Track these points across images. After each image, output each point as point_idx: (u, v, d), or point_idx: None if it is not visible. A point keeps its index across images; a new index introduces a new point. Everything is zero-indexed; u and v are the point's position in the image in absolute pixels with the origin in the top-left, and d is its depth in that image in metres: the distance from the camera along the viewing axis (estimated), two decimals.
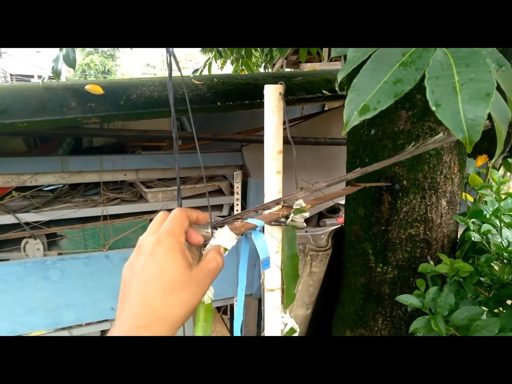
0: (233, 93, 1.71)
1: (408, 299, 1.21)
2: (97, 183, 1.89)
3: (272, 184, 0.87)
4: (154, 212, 1.91)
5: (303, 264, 1.59)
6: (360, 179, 1.47)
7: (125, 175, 1.90)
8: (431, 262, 1.30)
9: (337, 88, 1.80)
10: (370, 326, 1.53)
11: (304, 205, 0.76)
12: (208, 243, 0.68)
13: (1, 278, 1.61)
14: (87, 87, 1.57)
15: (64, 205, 1.77)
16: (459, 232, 1.48)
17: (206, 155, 2.05)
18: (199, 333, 0.70)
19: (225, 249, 0.68)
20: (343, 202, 2.47)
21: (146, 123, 1.88)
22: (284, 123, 0.90)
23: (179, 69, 0.78)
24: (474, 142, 0.38)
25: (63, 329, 1.76)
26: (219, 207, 2.09)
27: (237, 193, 2.00)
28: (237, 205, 2.03)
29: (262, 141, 1.60)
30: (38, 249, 1.71)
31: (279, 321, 0.97)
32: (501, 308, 1.22)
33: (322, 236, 2.12)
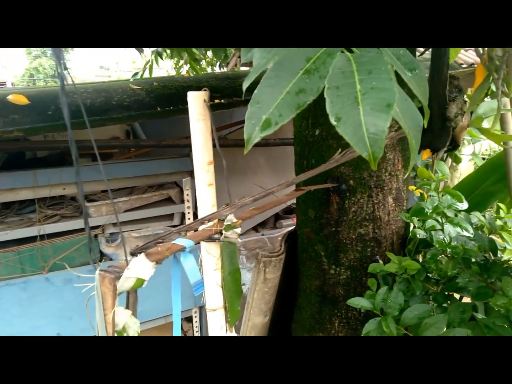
0: (174, 97, 1.63)
1: (360, 302, 1.19)
2: (33, 200, 1.75)
3: (205, 197, 0.81)
4: (98, 227, 1.80)
5: (257, 272, 1.54)
6: (308, 181, 1.45)
7: (64, 189, 1.77)
8: (381, 262, 1.29)
9: None
10: (327, 329, 1.51)
11: (235, 220, 0.71)
12: (121, 275, 0.61)
13: None
14: (9, 97, 1.43)
15: None
16: (408, 228, 1.49)
17: (154, 162, 1.95)
18: None
19: (142, 281, 0.61)
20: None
21: (96, 131, 1.76)
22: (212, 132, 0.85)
23: (69, 76, 0.70)
24: (378, 158, 0.34)
25: None
26: (170, 216, 2.00)
27: (188, 201, 1.92)
28: (188, 213, 1.95)
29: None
30: None
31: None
32: (449, 302, 1.24)
33: (279, 238, 2.08)
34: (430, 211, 1.07)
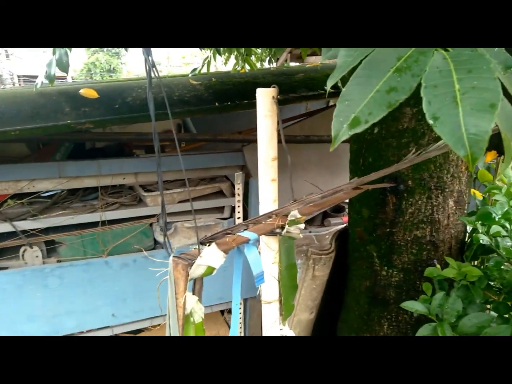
0: (231, 93, 1.66)
1: (414, 306, 1.16)
2: (96, 188, 1.86)
3: (267, 193, 0.82)
4: (154, 216, 1.88)
5: (306, 268, 1.54)
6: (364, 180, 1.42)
7: (124, 178, 1.87)
8: (438, 266, 1.25)
9: (339, 84, 1.74)
10: (375, 331, 1.48)
11: (299, 216, 0.72)
12: (194, 262, 0.64)
13: (0, 287, 1.59)
14: (81, 91, 1.53)
15: (62, 211, 1.75)
16: (467, 232, 1.43)
17: (207, 156, 2.00)
18: None
19: (212, 269, 0.64)
20: (347, 200, 2.41)
21: (148, 124, 1.84)
22: (278, 125, 0.86)
23: (157, 71, 0.73)
24: (477, 159, 0.34)
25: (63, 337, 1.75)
26: (220, 209, 2.05)
27: (238, 195, 1.96)
28: (238, 206, 1.99)
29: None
30: (37, 257, 1.69)
31: (278, 333, 0.93)
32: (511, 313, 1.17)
33: (327, 236, 2.07)
34: (499, 216, 1.02)
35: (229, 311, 2.58)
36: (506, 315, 1.15)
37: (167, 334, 0.69)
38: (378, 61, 0.42)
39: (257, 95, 0.78)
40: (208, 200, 2.00)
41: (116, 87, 1.66)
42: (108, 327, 1.81)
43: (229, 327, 2.38)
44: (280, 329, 0.94)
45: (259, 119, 0.80)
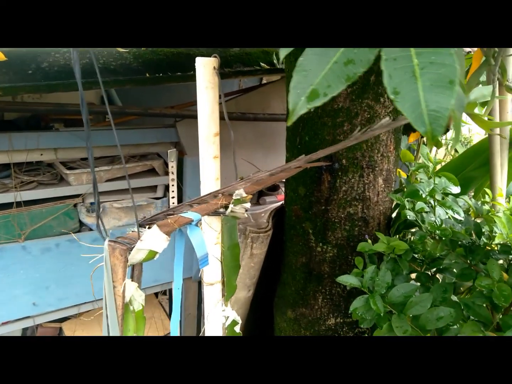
0: (163, 64, 1.55)
1: (348, 280, 1.21)
2: (8, 165, 1.65)
3: (209, 171, 0.78)
4: (78, 196, 1.72)
5: (244, 247, 1.53)
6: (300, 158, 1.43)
7: (41, 154, 1.68)
8: (369, 241, 1.32)
9: (275, 61, 1.72)
10: (310, 305, 1.54)
11: (244, 195, 0.69)
12: (134, 246, 0.58)
13: None
14: None
15: None
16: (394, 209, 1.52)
17: (137, 131, 1.87)
18: None
19: (155, 253, 0.59)
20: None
21: (66, 94, 1.65)
22: (220, 99, 0.81)
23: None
24: (438, 136, 0.33)
25: None
26: (153, 188, 1.95)
27: (172, 173, 1.88)
28: (172, 185, 1.91)
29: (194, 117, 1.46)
30: None
31: (221, 314, 0.91)
32: (431, 281, 1.29)
33: (262, 215, 2.08)
34: (426, 193, 1.09)
35: (164, 292, 2.52)
36: (428, 284, 1.26)
37: (103, 325, 0.63)
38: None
39: (196, 64, 0.72)
40: (139, 178, 1.89)
41: (28, 50, 1.46)
42: (28, 317, 1.65)
43: (164, 309, 2.32)
44: (223, 310, 0.92)
45: (200, 91, 0.74)
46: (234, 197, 0.70)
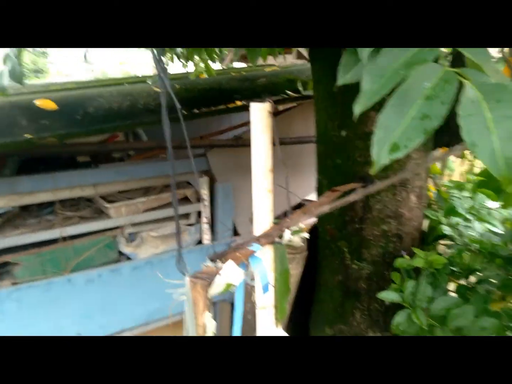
0: (197, 100, 1.64)
1: (389, 295, 1.25)
2: (51, 202, 1.75)
3: (263, 203, 0.84)
4: (118, 228, 1.80)
5: None
6: (333, 180, 1.49)
7: (82, 190, 1.77)
8: (407, 257, 1.35)
9: (300, 88, 1.80)
10: (349, 321, 1.56)
11: (302, 226, 0.75)
12: (212, 281, 0.64)
13: None
14: (37, 102, 1.42)
15: (15, 230, 1.61)
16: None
17: (168, 162, 1.96)
18: None
19: (231, 285, 0.64)
20: (309, 197, 2.50)
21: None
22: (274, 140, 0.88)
23: (166, 76, 0.73)
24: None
25: None
26: (186, 215, 2.02)
27: (205, 200, 1.95)
28: (205, 212, 1.98)
29: (227, 145, 1.56)
30: None
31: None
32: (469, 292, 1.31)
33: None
34: (463, 210, 1.13)
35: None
36: (467, 295, 1.28)
37: None
38: (410, 88, 0.46)
39: (251, 109, 0.79)
40: (172, 208, 1.96)
41: (73, 97, 1.56)
42: None
43: None
44: (275, 333, 0.96)
45: (255, 134, 0.81)
46: (293, 229, 0.75)
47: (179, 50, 1.84)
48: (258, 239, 0.74)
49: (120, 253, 1.87)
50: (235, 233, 2.12)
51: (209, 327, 0.70)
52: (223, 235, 2.06)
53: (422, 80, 0.45)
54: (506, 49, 1.11)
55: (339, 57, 1.30)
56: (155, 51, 0.63)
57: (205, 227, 1.99)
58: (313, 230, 1.74)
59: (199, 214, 2.01)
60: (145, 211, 1.86)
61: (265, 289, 0.77)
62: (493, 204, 1.15)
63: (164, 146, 1.90)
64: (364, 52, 0.54)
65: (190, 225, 2.01)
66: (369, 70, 0.51)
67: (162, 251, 1.89)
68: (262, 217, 0.85)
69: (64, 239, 1.69)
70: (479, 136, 0.40)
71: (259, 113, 0.79)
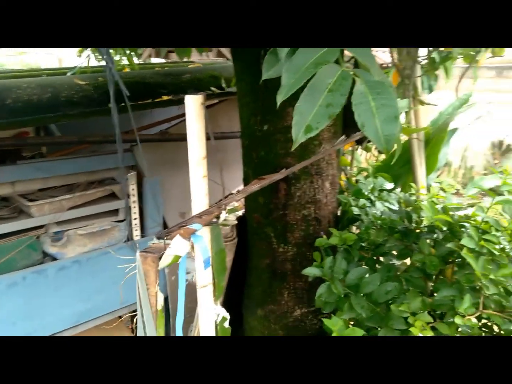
0: (123, 93, 1.65)
1: (312, 271, 1.41)
2: None
3: (199, 188, 0.92)
4: (42, 227, 1.73)
5: None
6: (257, 170, 1.62)
7: None
8: (325, 237, 1.52)
9: (224, 85, 1.90)
10: (278, 301, 1.71)
11: (237, 204, 0.84)
12: (163, 253, 0.71)
13: None
14: None
15: None
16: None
17: (94, 158, 1.92)
18: None
19: (178, 257, 0.72)
20: (233, 191, 2.61)
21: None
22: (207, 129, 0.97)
23: (113, 69, 0.77)
24: (390, 151, 0.53)
25: None
26: (114, 212, 2.00)
27: (133, 195, 1.95)
28: (134, 207, 1.98)
29: (155, 140, 1.63)
30: None
31: (212, 313, 1.05)
32: (377, 265, 1.53)
33: (227, 227, 2.22)
34: (368, 191, 1.33)
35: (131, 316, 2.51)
36: (374, 267, 1.49)
37: (139, 324, 0.74)
38: (317, 84, 0.58)
39: (186, 101, 0.87)
40: (101, 204, 1.93)
41: None
42: None
43: (133, 332, 2.33)
44: (214, 309, 1.05)
45: (190, 124, 0.88)
46: (228, 207, 0.85)
47: None
48: (199, 217, 0.82)
49: (45, 254, 1.80)
50: (165, 227, 2.15)
51: (159, 300, 0.76)
52: (153, 230, 2.08)
53: (326, 77, 0.58)
54: (395, 55, 1.33)
55: (259, 56, 1.43)
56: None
57: (135, 222, 1.99)
58: (241, 220, 1.86)
59: (128, 209, 2.01)
60: (70, 209, 1.81)
61: (207, 264, 0.85)
62: (389, 185, 1.37)
63: (85, 141, 1.87)
64: (283, 52, 0.66)
65: (119, 221, 2.00)
66: (287, 68, 0.63)
67: (90, 249, 1.85)
68: (199, 201, 0.93)
69: None
70: (366, 119, 0.53)
71: (193, 105, 0.87)
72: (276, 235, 1.64)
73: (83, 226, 1.85)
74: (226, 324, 1.11)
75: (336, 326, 1.23)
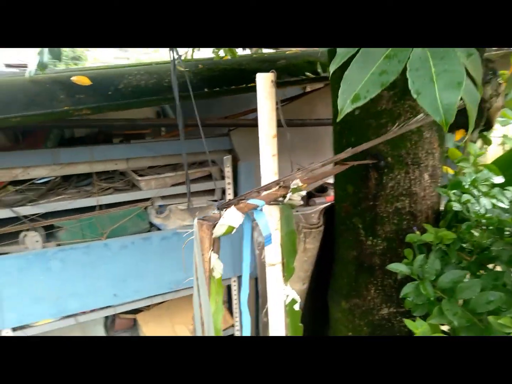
0: (219, 79, 1.73)
1: (398, 267, 1.30)
2: (89, 174, 1.91)
3: (269, 167, 0.92)
4: (148, 199, 1.95)
5: (297, 242, 1.66)
6: (348, 158, 1.54)
7: (116, 164, 1.92)
8: (417, 232, 1.39)
9: (319, 70, 1.85)
10: (363, 296, 1.63)
11: (300, 184, 0.82)
12: (217, 223, 0.74)
13: (4, 271, 1.63)
14: (73, 78, 1.57)
15: (58, 197, 1.79)
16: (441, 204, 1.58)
17: (194, 141, 2.07)
18: (213, 306, 0.77)
19: (232, 228, 0.74)
20: (330, 181, 2.54)
21: (129, 112, 1.89)
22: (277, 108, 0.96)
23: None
24: (450, 123, 0.45)
25: (68, 316, 1.81)
26: (211, 192, 2.14)
27: (228, 177, 2.05)
28: (228, 189, 2.08)
29: (250, 125, 1.65)
30: (37, 241, 1.73)
31: (281, 293, 1.05)
32: (482, 271, 1.33)
33: (313, 215, 2.19)
34: (468, 184, 1.16)
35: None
36: (477, 273, 1.30)
37: (194, 286, 0.79)
38: (372, 50, 0.53)
39: (257, 79, 0.87)
40: (199, 183, 2.09)
41: (107, 74, 1.70)
42: (110, 306, 1.89)
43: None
44: (283, 289, 1.05)
45: (260, 101, 0.89)
46: (291, 186, 0.83)
47: None
48: (258, 192, 0.82)
49: (151, 224, 2.02)
50: None
51: (217, 268, 0.79)
52: None
53: None
54: None
55: None
56: None
57: None
58: (330, 208, 1.81)
59: (223, 190, 2.12)
60: (173, 186, 2.00)
61: (267, 240, 0.86)
62: (498, 179, 1.16)
63: (190, 124, 2.02)
64: None
65: (215, 200, 2.13)
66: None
67: (189, 223, 2.02)
68: (268, 180, 0.93)
69: (101, 207, 1.85)
70: (423, 85, 0.46)
71: (264, 82, 0.87)
72: (365, 227, 1.56)
73: (183, 202, 2.02)
74: (297, 307, 1.10)
75: (419, 329, 1.12)
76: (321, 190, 2.58)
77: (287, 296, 1.05)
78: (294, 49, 2.18)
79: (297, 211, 2.33)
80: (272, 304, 1.05)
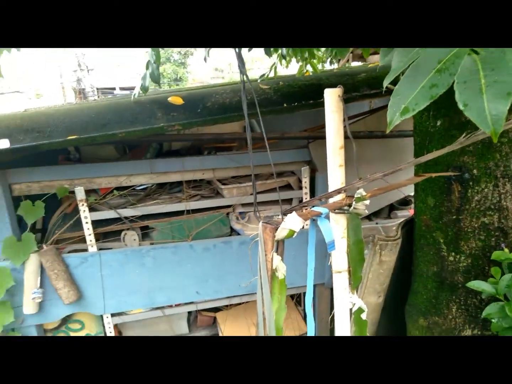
0: (297, 94, 1.81)
1: (481, 286, 1.22)
2: (180, 182, 2.13)
3: (335, 176, 0.96)
4: (230, 206, 2.10)
5: (373, 254, 1.64)
6: (428, 170, 1.49)
7: (203, 174, 2.11)
8: (506, 250, 1.28)
9: None
10: (444, 314, 1.53)
11: (364, 193, 0.84)
12: (279, 226, 0.80)
13: (107, 264, 1.91)
14: (169, 99, 1.78)
15: (153, 201, 2.03)
16: None
17: (275, 152, 2.17)
18: (275, 304, 0.83)
19: (293, 232, 0.80)
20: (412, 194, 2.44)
21: (218, 127, 2.06)
22: (344, 121, 0.99)
23: (245, 72, 0.91)
24: (499, 133, 0.45)
25: (157, 308, 2.03)
26: (289, 201, 2.21)
27: (305, 187, 2.10)
28: (305, 198, 2.13)
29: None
30: (134, 240, 1.99)
31: (347, 300, 1.07)
32: None
33: (393, 228, 2.13)
34: None
35: (298, 296, 2.73)
36: None
37: (258, 286, 0.86)
38: (423, 64, 0.55)
39: (325, 94, 0.92)
40: (280, 192, 2.18)
41: (196, 94, 1.90)
42: (192, 302, 2.07)
43: (299, 312, 2.53)
44: (350, 297, 1.07)
45: (327, 114, 0.94)
46: (355, 195, 0.86)
47: (284, 51, 2.03)
48: (319, 199, 0.87)
49: (231, 229, 2.17)
50: None
51: (281, 269, 0.86)
52: None
53: (436, 56, 0.53)
54: None
55: None
56: (236, 50, 0.81)
57: None
58: (410, 221, 1.74)
59: (300, 200, 2.18)
60: (252, 194, 2.11)
61: (331, 247, 0.89)
62: None
63: (271, 137, 2.12)
64: None
65: None
66: (398, 52, 0.60)
67: None
68: (335, 188, 0.97)
69: (188, 212, 2.05)
70: (471, 97, 0.47)
71: (331, 97, 0.91)
72: (447, 242, 1.48)
73: (262, 210, 2.13)
74: (364, 316, 1.11)
75: None
76: (404, 203, 2.48)
77: (354, 304, 1.06)
78: (376, 62, 2.16)
79: (376, 223, 2.28)
80: (338, 311, 1.07)
